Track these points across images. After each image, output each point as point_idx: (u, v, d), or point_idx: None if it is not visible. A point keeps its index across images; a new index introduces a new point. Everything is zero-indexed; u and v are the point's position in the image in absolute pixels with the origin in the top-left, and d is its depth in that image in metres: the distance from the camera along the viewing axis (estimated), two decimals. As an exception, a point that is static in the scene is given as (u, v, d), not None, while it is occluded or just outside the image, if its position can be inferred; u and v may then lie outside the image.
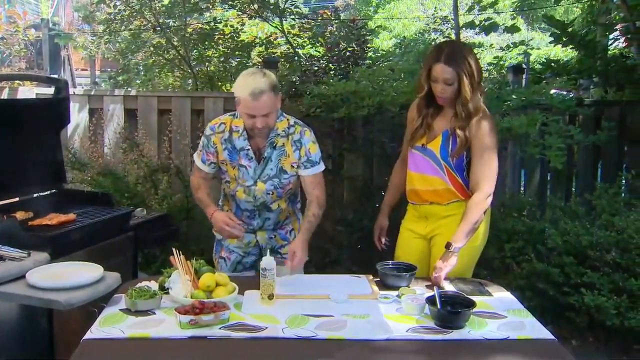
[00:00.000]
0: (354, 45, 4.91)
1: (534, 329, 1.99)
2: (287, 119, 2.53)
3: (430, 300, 2.02)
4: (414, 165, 2.57)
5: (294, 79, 4.89)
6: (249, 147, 2.50)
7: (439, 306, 1.98)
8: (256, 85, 2.31)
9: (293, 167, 2.52)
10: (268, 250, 2.28)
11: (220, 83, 6.41)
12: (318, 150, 2.56)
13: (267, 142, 2.48)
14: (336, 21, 6.05)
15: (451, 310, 2.00)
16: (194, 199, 2.80)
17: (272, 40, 6.15)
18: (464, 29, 5.07)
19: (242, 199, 2.58)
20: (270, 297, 2.11)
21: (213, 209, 2.56)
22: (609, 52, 5.39)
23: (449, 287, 2.31)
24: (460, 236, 2.36)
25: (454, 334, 1.91)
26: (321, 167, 2.57)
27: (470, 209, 2.39)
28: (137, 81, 7.62)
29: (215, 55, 6.26)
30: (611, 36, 5.53)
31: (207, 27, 6.13)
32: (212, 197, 2.67)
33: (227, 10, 6.42)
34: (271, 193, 2.55)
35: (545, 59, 5.64)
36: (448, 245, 2.36)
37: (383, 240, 2.77)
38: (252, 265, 2.72)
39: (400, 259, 2.60)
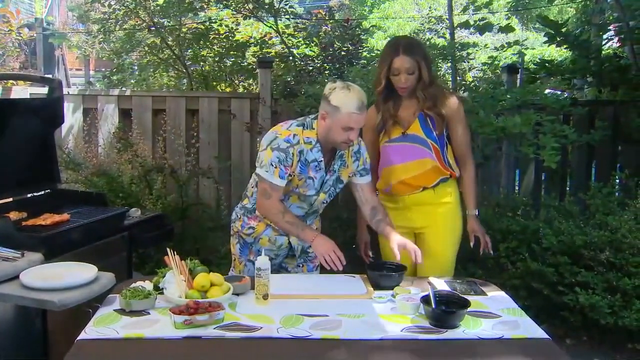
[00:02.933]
0: (348, 45, 4.91)
1: (528, 328, 1.99)
2: None
3: (425, 300, 2.03)
4: (396, 156, 2.62)
5: (289, 79, 4.89)
6: (322, 159, 2.44)
7: (433, 306, 1.99)
8: (362, 99, 2.31)
9: (349, 177, 2.56)
10: (299, 249, 2.33)
11: (215, 83, 6.40)
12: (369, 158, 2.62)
13: (337, 155, 2.48)
14: (331, 21, 6.05)
15: (446, 309, 2.00)
16: (189, 200, 2.74)
17: (266, 40, 6.14)
18: (458, 28, 5.06)
19: (294, 205, 2.52)
20: (265, 297, 2.11)
21: (314, 234, 2.41)
22: (603, 52, 5.40)
23: (442, 286, 2.31)
24: (473, 203, 2.71)
25: (449, 334, 1.92)
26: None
27: (470, 183, 2.71)
28: (132, 81, 7.59)
29: (210, 55, 6.24)
30: (605, 36, 5.54)
31: (202, 27, 6.11)
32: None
33: (221, 10, 6.40)
34: (326, 202, 2.58)
35: (539, 58, 5.65)
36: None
37: (370, 254, 2.79)
38: (277, 266, 2.63)
39: (389, 257, 2.56)
